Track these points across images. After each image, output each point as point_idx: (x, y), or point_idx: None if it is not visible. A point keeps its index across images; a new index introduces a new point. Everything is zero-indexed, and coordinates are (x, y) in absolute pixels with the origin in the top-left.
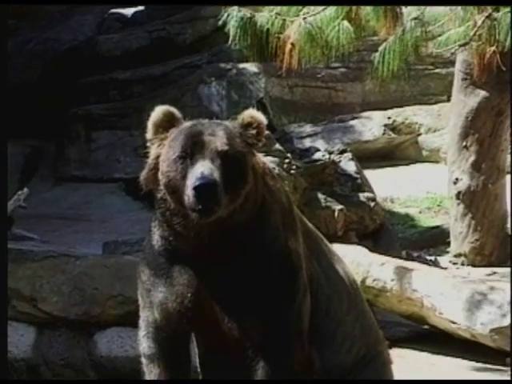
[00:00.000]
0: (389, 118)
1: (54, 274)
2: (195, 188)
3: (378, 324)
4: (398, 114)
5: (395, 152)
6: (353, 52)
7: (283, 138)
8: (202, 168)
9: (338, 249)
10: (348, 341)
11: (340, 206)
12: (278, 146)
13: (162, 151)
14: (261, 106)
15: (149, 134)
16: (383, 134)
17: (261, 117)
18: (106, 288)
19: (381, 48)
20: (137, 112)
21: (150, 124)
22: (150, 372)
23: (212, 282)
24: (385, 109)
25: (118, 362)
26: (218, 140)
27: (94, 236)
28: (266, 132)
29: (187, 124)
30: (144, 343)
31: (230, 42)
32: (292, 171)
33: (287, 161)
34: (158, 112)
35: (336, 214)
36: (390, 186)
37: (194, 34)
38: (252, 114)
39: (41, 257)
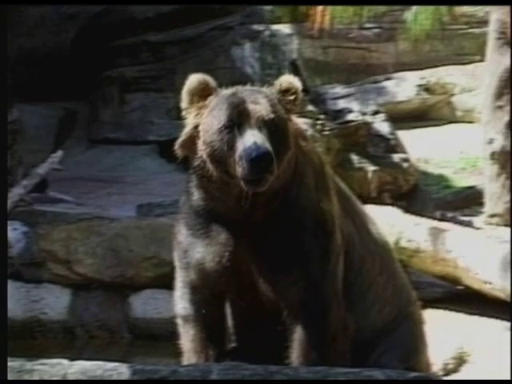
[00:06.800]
0: (422, 78)
1: (89, 236)
2: (252, 159)
3: (412, 285)
4: (432, 75)
5: (429, 112)
6: (386, 12)
7: (316, 99)
8: (254, 138)
9: (372, 210)
10: (379, 301)
11: (373, 167)
12: (311, 107)
13: (203, 121)
14: (294, 68)
15: (184, 103)
16: (417, 94)
17: (297, 82)
18: (141, 250)
19: (414, 7)
20: (170, 74)
21: (184, 93)
22: (186, 332)
23: (249, 242)
24: (419, 69)
25: (152, 323)
26: (262, 108)
27: (128, 198)
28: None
29: (227, 92)
30: (180, 304)
31: None
32: (325, 132)
33: (320, 122)
34: (192, 80)
35: (369, 175)
36: (424, 147)
37: None
38: (289, 79)
39: (75, 219)
